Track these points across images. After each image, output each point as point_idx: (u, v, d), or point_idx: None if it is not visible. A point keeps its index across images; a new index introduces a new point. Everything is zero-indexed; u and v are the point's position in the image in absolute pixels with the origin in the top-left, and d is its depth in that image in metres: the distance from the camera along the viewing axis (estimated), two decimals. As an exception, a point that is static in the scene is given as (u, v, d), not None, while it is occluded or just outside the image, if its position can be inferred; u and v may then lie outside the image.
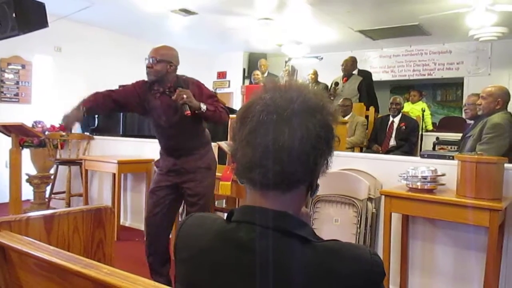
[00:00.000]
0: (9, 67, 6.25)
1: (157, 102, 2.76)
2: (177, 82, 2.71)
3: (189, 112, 2.60)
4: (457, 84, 8.54)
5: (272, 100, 0.86)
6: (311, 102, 0.86)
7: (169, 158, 2.89)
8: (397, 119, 5.37)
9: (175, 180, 2.86)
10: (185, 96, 2.58)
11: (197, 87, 2.76)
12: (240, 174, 0.89)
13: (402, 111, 5.51)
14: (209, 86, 8.98)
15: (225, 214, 0.97)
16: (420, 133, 5.34)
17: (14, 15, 3.76)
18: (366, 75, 6.42)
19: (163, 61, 2.69)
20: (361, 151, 5.31)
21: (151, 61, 2.67)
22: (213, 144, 4.35)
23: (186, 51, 8.46)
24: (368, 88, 6.22)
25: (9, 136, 3.77)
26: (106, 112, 2.81)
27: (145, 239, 3.00)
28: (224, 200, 4.67)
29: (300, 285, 0.77)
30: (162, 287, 0.88)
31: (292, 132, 0.82)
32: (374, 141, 5.45)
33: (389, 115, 5.48)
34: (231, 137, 0.98)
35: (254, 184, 0.87)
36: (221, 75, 9.57)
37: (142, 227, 4.78)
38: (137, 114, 3.14)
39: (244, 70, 9.27)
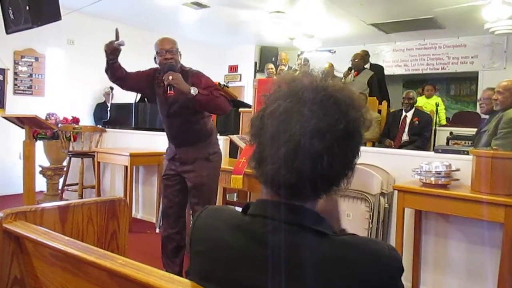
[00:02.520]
0: (23, 59, 6.31)
1: (160, 91, 2.80)
2: (182, 72, 2.73)
3: (172, 92, 2.57)
4: (471, 78, 8.42)
5: (293, 94, 0.82)
6: (340, 102, 0.82)
7: (172, 146, 2.94)
8: (410, 114, 5.30)
9: (177, 169, 2.88)
10: (170, 77, 2.56)
11: (196, 78, 2.73)
12: (257, 170, 0.86)
13: (415, 105, 5.44)
14: (221, 79, 8.97)
15: (236, 208, 0.96)
16: (433, 128, 5.27)
17: (27, 8, 3.79)
18: (378, 69, 6.33)
19: (177, 51, 2.74)
20: (373, 145, 5.27)
21: (172, 51, 2.68)
22: (224, 137, 4.37)
23: (197, 44, 8.52)
24: (380, 82, 6.14)
25: (23, 128, 3.81)
26: (117, 75, 2.82)
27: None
28: (235, 194, 4.68)
29: (316, 279, 0.77)
30: (176, 278, 0.88)
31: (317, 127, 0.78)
32: (387, 135, 5.40)
33: (401, 109, 5.42)
34: (249, 131, 0.91)
35: (270, 185, 0.85)
36: (233, 68, 9.55)
37: (153, 219, 4.81)
38: (147, 98, 3.16)
39: (255, 63, 9.24)
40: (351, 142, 0.83)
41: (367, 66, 6.20)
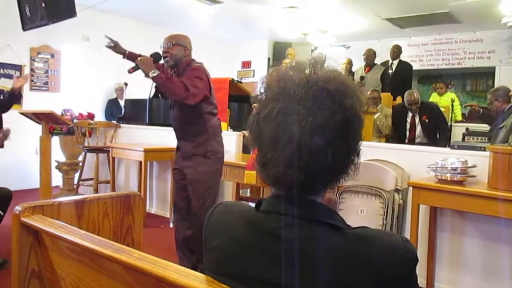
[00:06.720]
0: (39, 56, 6.38)
1: None
2: (187, 66, 2.82)
3: (131, 69, 2.89)
4: (488, 73, 8.26)
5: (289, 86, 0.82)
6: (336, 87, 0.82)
7: (177, 140, 3.02)
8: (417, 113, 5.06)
9: (180, 163, 2.95)
10: (139, 58, 2.84)
11: (187, 70, 2.81)
12: (263, 173, 0.87)
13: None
14: (234, 75, 8.94)
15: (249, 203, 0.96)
16: (449, 123, 5.17)
17: (43, 5, 3.83)
18: (407, 67, 6.35)
19: (179, 45, 2.82)
20: (387, 141, 5.21)
21: (166, 45, 2.80)
22: (237, 133, 4.38)
23: (210, 40, 8.52)
24: (406, 81, 6.17)
25: (39, 123, 3.86)
26: None
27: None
28: (248, 190, 4.69)
29: (331, 272, 0.76)
30: (192, 273, 0.88)
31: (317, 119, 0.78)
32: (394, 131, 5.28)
33: (404, 106, 5.14)
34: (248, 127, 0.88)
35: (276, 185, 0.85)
36: (246, 64, 9.53)
37: (167, 214, 4.84)
38: (161, 93, 3.31)
39: (268, 59, 9.21)
40: (351, 129, 0.82)
41: (396, 61, 6.18)
